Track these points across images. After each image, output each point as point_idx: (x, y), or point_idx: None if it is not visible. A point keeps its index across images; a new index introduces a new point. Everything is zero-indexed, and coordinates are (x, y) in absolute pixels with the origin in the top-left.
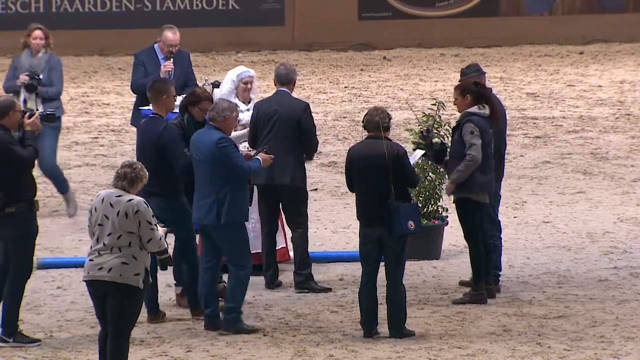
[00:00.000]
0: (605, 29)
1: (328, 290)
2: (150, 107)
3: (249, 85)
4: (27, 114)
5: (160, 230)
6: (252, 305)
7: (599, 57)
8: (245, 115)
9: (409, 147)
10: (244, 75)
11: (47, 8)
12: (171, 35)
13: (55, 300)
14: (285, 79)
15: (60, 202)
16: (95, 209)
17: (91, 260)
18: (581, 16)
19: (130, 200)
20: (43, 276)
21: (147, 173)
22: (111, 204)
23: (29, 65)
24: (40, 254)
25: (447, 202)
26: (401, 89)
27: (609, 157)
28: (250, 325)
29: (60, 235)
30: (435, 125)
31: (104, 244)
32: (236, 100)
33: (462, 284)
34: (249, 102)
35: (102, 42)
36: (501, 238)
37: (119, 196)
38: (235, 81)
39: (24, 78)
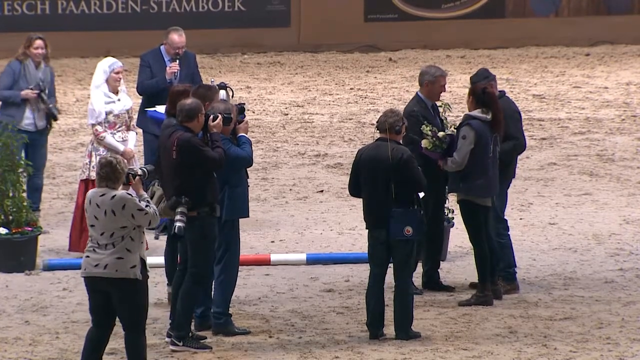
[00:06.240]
0: (611, 30)
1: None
2: (156, 108)
3: (119, 76)
4: (211, 116)
5: (138, 175)
6: (257, 307)
7: (605, 59)
8: (116, 106)
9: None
10: (115, 66)
11: (53, 9)
12: (177, 37)
13: (62, 302)
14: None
15: (66, 204)
16: (86, 210)
17: (87, 257)
18: (587, 18)
19: (113, 196)
20: (49, 278)
21: (127, 165)
22: (97, 205)
23: (38, 78)
24: (45, 255)
25: (453, 204)
26: (407, 90)
27: (615, 158)
28: (241, 328)
29: (66, 236)
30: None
31: (97, 242)
32: (106, 90)
33: (473, 286)
34: (118, 93)
35: (108, 44)
36: (509, 235)
37: (102, 195)
38: (107, 72)
39: (32, 94)
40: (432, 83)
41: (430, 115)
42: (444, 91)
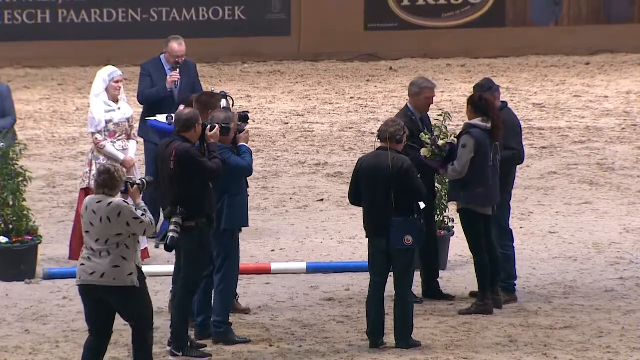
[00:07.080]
0: (611, 39)
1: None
2: (157, 117)
3: (119, 84)
4: (208, 126)
5: (136, 184)
6: (258, 316)
7: (605, 68)
8: (116, 115)
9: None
10: (115, 74)
11: (54, 18)
12: (177, 46)
13: (62, 311)
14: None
15: (66, 213)
16: (82, 216)
17: (82, 264)
18: (587, 27)
19: (110, 203)
20: (49, 286)
21: (125, 172)
22: (94, 211)
23: None
24: (46, 264)
25: (453, 213)
26: (407, 99)
27: (615, 167)
28: (242, 337)
29: (67, 245)
30: (442, 136)
31: (92, 249)
32: (106, 99)
33: (473, 295)
34: (118, 102)
35: (109, 53)
36: (514, 247)
37: (99, 202)
38: (107, 81)
39: None
40: (417, 94)
41: (417, 127)
42: (432, 103)
